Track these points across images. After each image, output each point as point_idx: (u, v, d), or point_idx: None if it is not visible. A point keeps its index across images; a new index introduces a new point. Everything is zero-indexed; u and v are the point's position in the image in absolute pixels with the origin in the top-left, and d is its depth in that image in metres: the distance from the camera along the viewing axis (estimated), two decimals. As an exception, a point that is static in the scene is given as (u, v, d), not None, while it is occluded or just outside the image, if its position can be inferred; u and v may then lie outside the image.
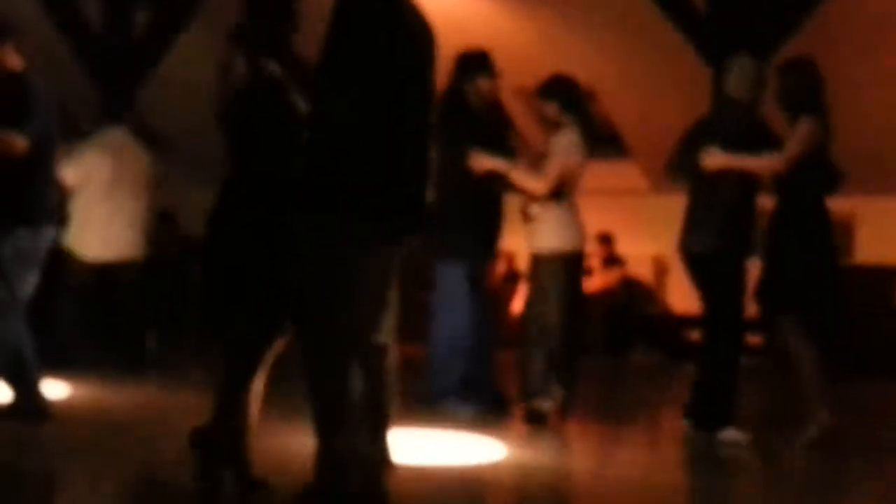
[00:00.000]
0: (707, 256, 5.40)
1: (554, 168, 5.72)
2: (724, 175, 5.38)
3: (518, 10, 9.97)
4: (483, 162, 5.80)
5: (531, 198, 5.78)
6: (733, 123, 5.50)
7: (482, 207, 5.89)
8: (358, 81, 3.41)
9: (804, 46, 7.88)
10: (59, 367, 6.40)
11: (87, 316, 7.45)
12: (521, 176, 5.79)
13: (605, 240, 10.55)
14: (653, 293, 10.68)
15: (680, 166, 5.64)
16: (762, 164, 5.34)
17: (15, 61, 5.04)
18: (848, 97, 9.18)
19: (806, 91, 5.42)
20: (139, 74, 9.40)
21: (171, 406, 6.08)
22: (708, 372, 5.44)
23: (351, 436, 3.35)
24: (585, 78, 10.36)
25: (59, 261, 7.08)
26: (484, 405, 5.82)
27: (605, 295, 10.34)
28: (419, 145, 3.59)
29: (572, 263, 5.72)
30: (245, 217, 3.76)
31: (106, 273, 7.35)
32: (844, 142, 9.14)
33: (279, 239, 3.67)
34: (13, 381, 5.15)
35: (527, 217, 5.81)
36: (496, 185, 5.87)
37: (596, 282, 10.40)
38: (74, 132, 7.63)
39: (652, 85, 9.79)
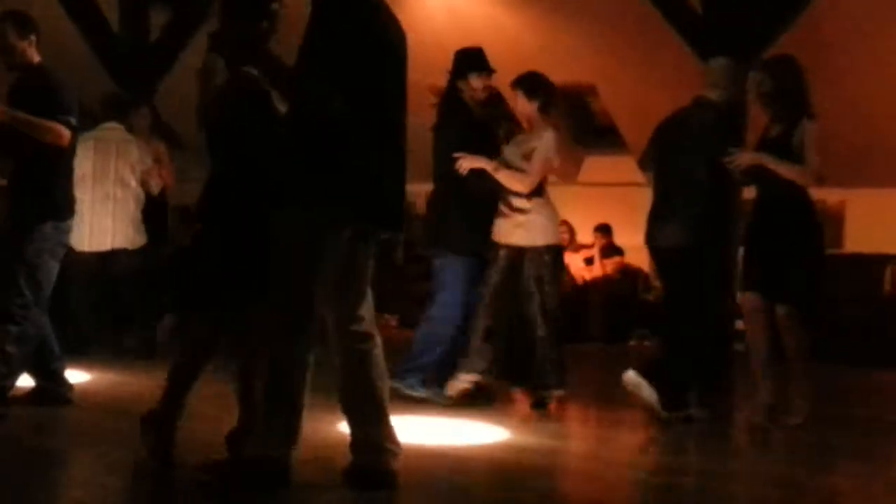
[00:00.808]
0: (682, 249, 5.52)
1: (539, 167, 5.85)
2: (700, 169, 5.51)
3: (518, 8, 10.08)
4: (468, 162, 5.84)
5: (513, 195, 5.88)
6: (706, 122, 5.63)
7: (479, 203, 5.95)
8: (335, 81, 3.58)
9: (795, 42, 8.04)
10: (78, 354, 6.65)
11: (95, 304, 7.64)
12: (504, 175, 5.85)
13: (604, 230, 10.71)
14: (650, 281, 10.85)
15: (650, 157, 5.81)
16: (793, 173, 5.38)
17: (34, 55, 5.10)
18: (838, 91, 9.36)
19: (796, 91, 5.50)
20: (156, 73, 9.60)
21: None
22: (673, 357, 5.64)
23: (289, 412, 3.71)
24: (584, 74, 10.59)
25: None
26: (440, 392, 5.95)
27: (605, 283, 10.51)
28: (395, 143, 3.78)
29: (559, 255, 5.99)
30: (226, 212, 3.98)
31: (103, 263, 7.54)
32: (835, 134, 9.40)
33: (257, 234, 3.85)
34: (38, 371, 5.34)
35: (511, 212, 5.90)
36: (483, 184, 5.88)
37: (595, 271, 10.60)
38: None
39: (648, 81, 9.92)
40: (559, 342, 5.97)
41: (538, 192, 5.94)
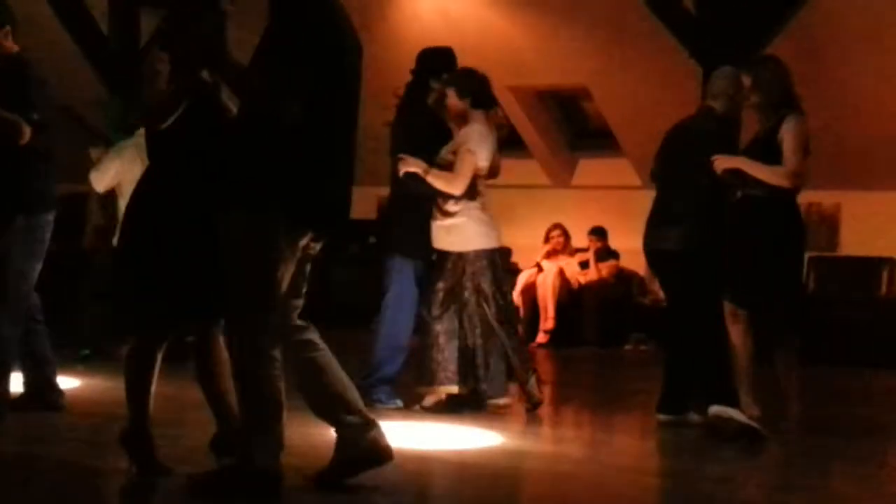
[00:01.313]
0: (682, 254, 5.50)
1: (465, 167, 5.67)
2: (700, 175, 5.49)
3: (511, 11, 10.08)
4: (404, 164, 5.71)
5: (445, 198, 5.75)
6: (708, 130, 5.64)
7: (429, 206, 5.83)
8: (292, 84, 3.55)
9: (790, 44, 8.07)
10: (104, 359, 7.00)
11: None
12: (434, 178, 5.68)
13: (600, 233, 10.70)
14: (646, 285, 10.84)
15: (657, 171, 5.81)
16: (772, 176, 5.37)
17: (11, 45, 4.91)
18: (833, 94, 9.37)
19: (780, 90, 5.51)
20: (146, 77, 9.61)
21: (186, 397, 6.23)
22: (680, 362, 5.63)
23: (270, 421, 3.67)
24: (578, 76, 10.59)
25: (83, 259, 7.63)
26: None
27: (600, 287, 10.50)
28: (345, 148, 3.77)
29: (495, 260, 5.87)
30: (157, 216, 3.90)
31: None
32: (830, 137, 9.40)
33: (197, 235, 3.82)
34: (30, 377, 5.32)
35: (441, 216, 5.78)
36: (419, 187, 5.73)
37: (591, 274, 10.58)
38: (98, 136, 7.85)
39: (643, 84, 9.93)
40: (512, 350, 5.85)
41: (470, 195, 5.76)
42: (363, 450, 3.79)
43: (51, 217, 4.96)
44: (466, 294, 5.76)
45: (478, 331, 5.75)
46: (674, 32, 7.72)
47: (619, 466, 4.78)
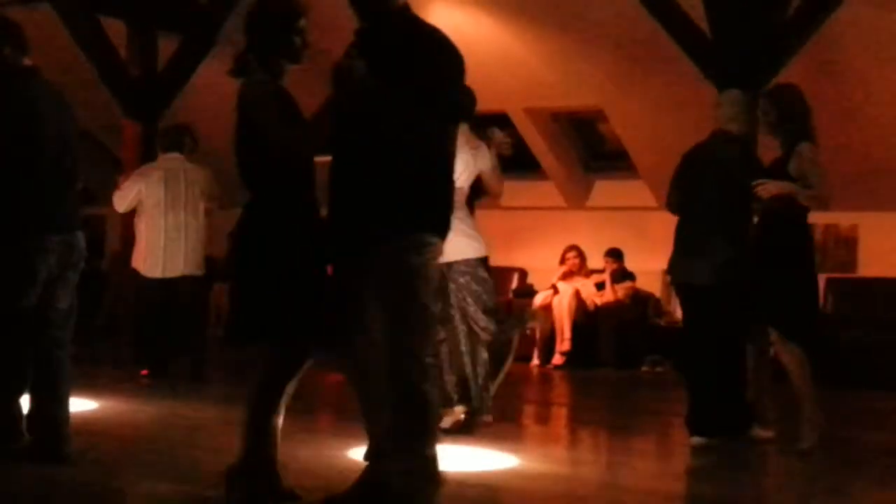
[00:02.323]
0: (718, 287, 5.51)
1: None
2: (733, 203, 5.54)
3: (528, 33, 10.09)
4: None
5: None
6: (732, 156, 5.66)
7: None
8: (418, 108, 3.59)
9: (806, 66, 8.07)
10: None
11: (157, 327, 7.88)
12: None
13: (616, 255, 10.68)
14: (661, 306, 10.81)
15: (675, 199, 5.80)
16: (813, 198, 5.42)
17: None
18: (849, 115, 9.36)
19: (798, 118, 5.54)
20: (164, 101, 9.72)
21: (202, 418, 6.24)
22: (695, 385, 5.64)
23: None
24: (593, 98, 10.60)
25: (128, 278, 7.94)
26: None
27: (616, 308, 10.47)
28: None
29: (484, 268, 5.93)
30: (268, 239, 3.83)
31: (168, 288, 7.74)
32: (847, 158, 9.38)
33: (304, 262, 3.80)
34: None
35: None
36: None
37: (606, 296, 10.56)
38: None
39: (659, 106, 9.93)
40: (492, 369, 5.85)
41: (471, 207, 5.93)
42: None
43: (58, 238, 4.67)
44: (451, 311, 5.77)
45: (465, 349, 5.76)
46: (689, 54, 7.72)
47: (637, 489, 4.76)
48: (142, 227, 7.78)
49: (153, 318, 7.80)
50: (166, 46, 9.89)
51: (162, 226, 7.63)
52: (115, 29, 9.63)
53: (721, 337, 5.57)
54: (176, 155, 7.86)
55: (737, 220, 5.60)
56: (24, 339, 4.72)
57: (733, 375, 5.58)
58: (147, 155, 9.54)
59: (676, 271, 5.72)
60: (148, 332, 7.90)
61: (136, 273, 7.83)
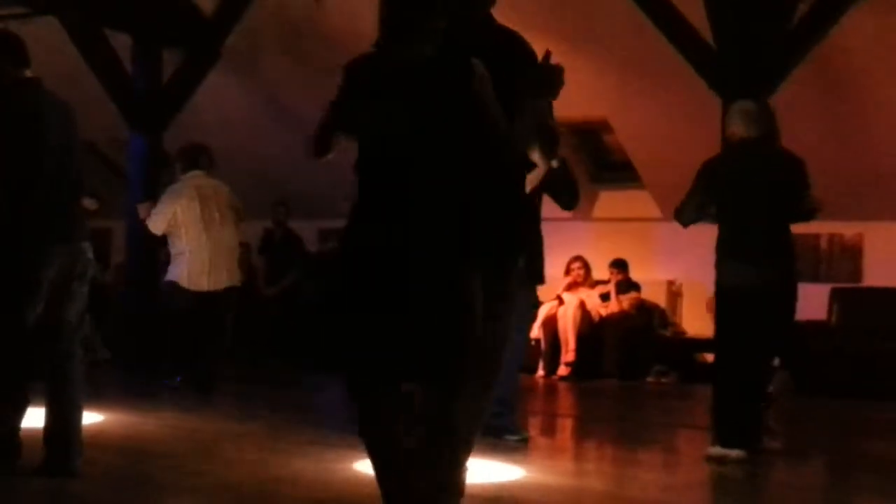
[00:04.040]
0: (764, 288, 5.54)
1: None
2: (776, 207, 5.60)
3: (535, 44, 10.12)
4: None
5: None
6: (772, 161, 5.71)
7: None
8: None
9: (811, 77, 8.08)
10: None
11: (197, 338, 8.09)
12: None
13: (621, 265, 10.68)
14: (667, 317, 10.81)
15: (693, 211, 5.81)
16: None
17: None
18: (854, 124, 9.36)
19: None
20: (169, 114, 9.77)
21: (206, 430, 6.25)
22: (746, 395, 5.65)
23: None
24: (598, 109, 10.60)
25: (163, 292, 8.09)
26: None
27: (621, 319, 10.47)
28: None
29: None
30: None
31: (207, 300, 7.99)
32: (851, 169, 9.37)
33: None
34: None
35: None
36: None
37: (612, 307, 10.56)
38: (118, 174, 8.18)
39: (664, 116, 9.94)
40: None
41: None
42: None
43: (58, 250, 4.63)
44: None
45: None
46: (694, 66, 7.72)
47: (644, 501, 4.75)
48: (182, 244, 7.98)
49: (189, 330, 8.01)
50: (171, 60, 9.93)
51: (205, 241, 7.92)
52: (121, 43, 9.67)
53: (762, 344, 5.59)
54: (198, 173, 8.10)
55: (784, 224, 5.66)
56: (27, 353, 4.68)
57: (766, 384, 5.61)
58: (152, 169, 9.58)
59: (728, 276, 5.70)
60: (180, 343, 8.10)
61: (172, 286, 8.00)
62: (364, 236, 3.32)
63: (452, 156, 3.34)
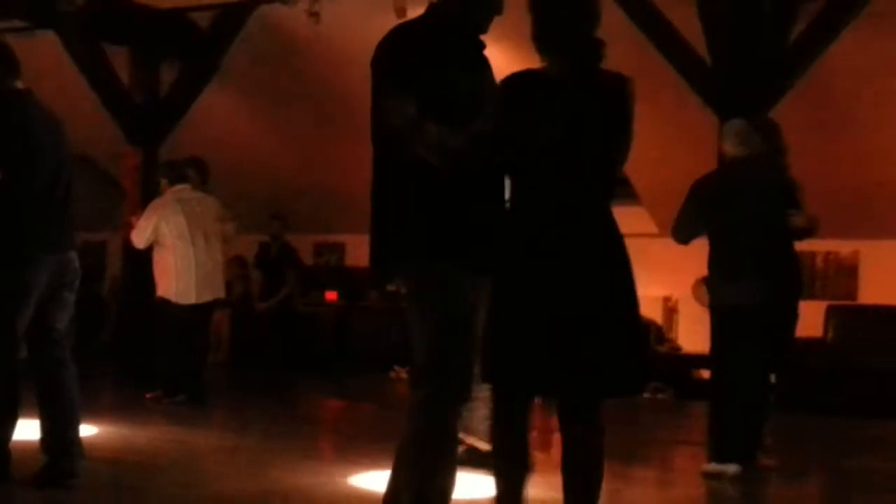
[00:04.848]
0: (767, 305, 5.54)
1: None
2: (777, 225, 5.61)
3: (527, 57, 10.15)
4: None
5: None
6: (765, 179, 5.73)
7: None
8: None
9: (808, 95, 8.09)
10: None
11: (187, 352, 8.09)
12: None
13: (616, 281, 10.68)
14: (663, 333, 10.80)
15: (688, 229, 5.82)
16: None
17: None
18: (850, 142, 9.39)
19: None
20: (166, 128, 9.80)
21: (196, 442, 6.23)
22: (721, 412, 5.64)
23: None
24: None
25: (153, 306, 8.08)
26: None
27: (617, 335, 10.46)
28: None
29: None
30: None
31: (196, 313, 8.03)
32: (848, 187, 9.39)
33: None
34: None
35: None
36: None
37: (607, 322, 10.54)
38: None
39: (660, 132, 9.95)
40: None
41: None
42: None
43: (54, 259, 4.68)
44: None
45: None
46: (689, 81, 7.75)
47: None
48: (167, 259, 8.00)
49: (184, 344, 8.02)
50: (168, 73, 9.95)
51: (191, 255, 7.93)
52: (118, 56, 9.69)
53: (760, 360, 5.59)
54: (185, 186, 8.11)
55: (781, 240, 5.67)
56: (17, 363, 4.70)
57: (765, 400, 5.61)
58: (149, 182, 9.59)
59: (720, 294, 5.70)
60: (177, 357, 8.06)
61: (163, 302, 8.01)
62: (532, 263, 3.30)
63: (606, 173, 3.51)
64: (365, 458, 5.36)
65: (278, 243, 11.35)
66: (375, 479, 4.54)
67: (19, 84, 4.75)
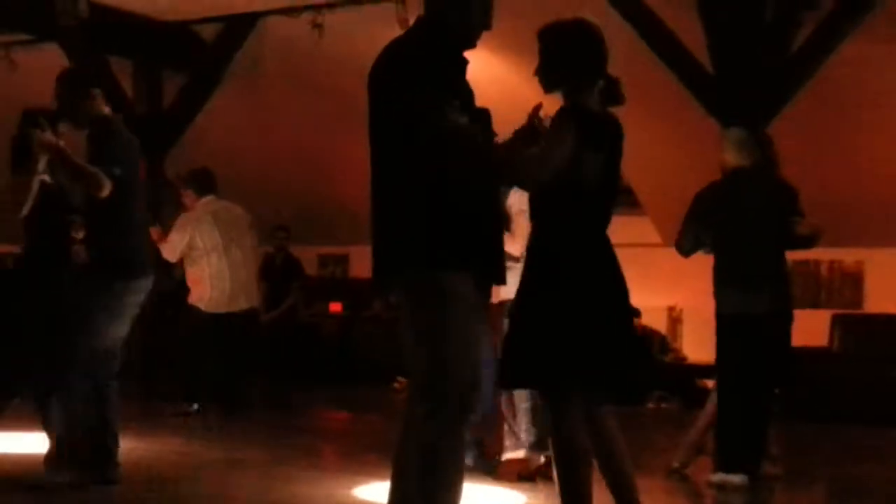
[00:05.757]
0: (772, 315, 5.58)
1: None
2: (781, 235, 5.63)
3: (525, 65, 10.15)
4: None
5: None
6: (770, 188, 5.74)
7: None
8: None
9: (810, 103, 8.10)
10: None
11: (218, 362, 8.17)
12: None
13: (621, 291, 10.67)
14: (667, 343, 10.79)
15: (692, 240, 5.82)
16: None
17: (101, 107, 5.14)
18: (854, 152, 9.38)
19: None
20: (169, 139, 9.81)
21: (195, 453, 6.23)
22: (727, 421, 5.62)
23: None
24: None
25: (184, 313, 8.15)
26: None
27: (621, 345, 10.45)
28: None
29: None
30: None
31: (226, 322, 8.08)
32: (851, 196, 9.38)
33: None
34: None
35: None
36: None
37: (612, 332, 10.53)
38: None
39: (663, 142, 9.97)
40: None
41: None
42: None
43: (134, 283, 4.98)
44: None
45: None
46: (691, 91, 7.77)
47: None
48: (202, 270, 8.04)
49: (211, 353, 8.09)
50: (171, 86, 9.98)
51: (225, 266, 8.02)
52: (121, 67, 9.72)
53: (766, 369, 5.58)
54: (213, 197, 8.17)
55: (779, 251, 5.69)
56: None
57: (770, 409, 5.61)
58: (153, 192, 9.59)
59: (730, 303, 5.69)
60: (200, 366, 8.13)
61: (194, 310, 8.08)
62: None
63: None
64: (369, 469, 5.36)
65: (282, 254, 11.34)
66: (379, 491, 4.53)
67: (107, 110, 5.09)
